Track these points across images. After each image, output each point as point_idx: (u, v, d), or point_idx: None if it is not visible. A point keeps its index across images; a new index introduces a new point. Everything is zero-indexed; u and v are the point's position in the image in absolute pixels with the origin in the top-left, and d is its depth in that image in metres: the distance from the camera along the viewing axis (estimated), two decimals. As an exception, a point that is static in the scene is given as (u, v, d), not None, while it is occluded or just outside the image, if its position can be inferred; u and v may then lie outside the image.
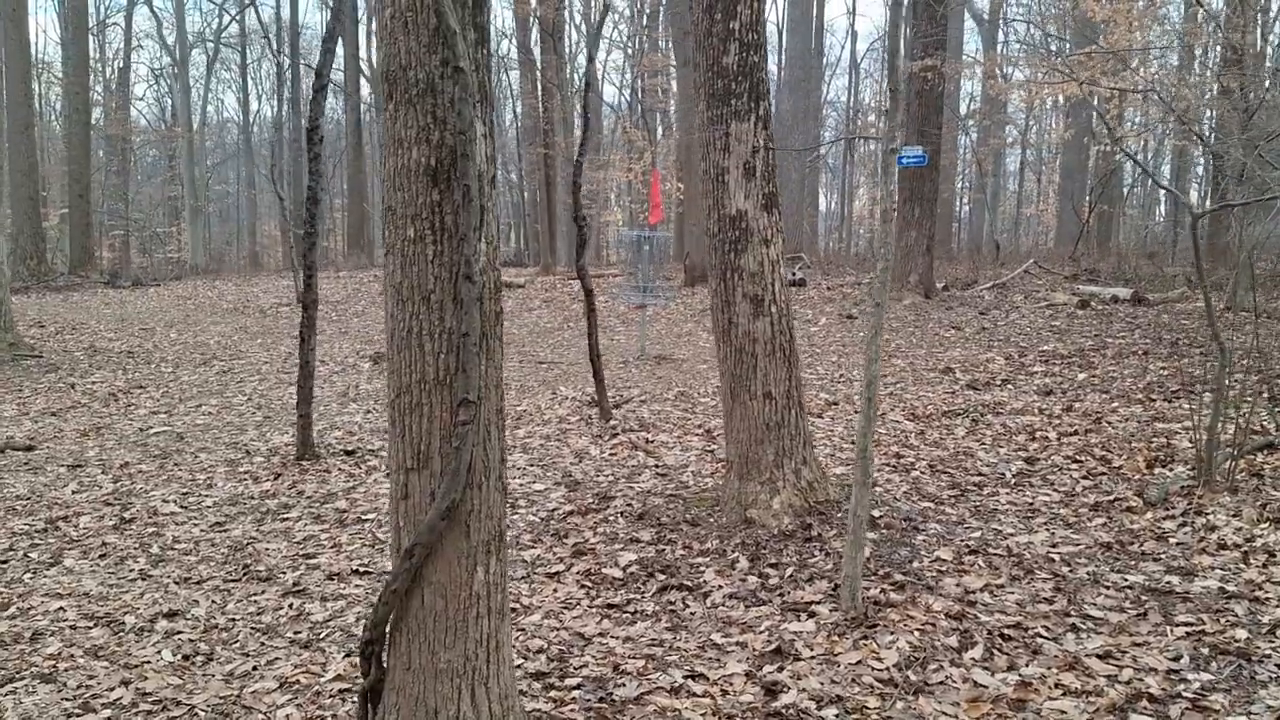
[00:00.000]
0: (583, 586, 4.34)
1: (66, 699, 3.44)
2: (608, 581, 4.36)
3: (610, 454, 6.67)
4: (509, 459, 6.52)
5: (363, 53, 34.45)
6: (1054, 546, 4.54)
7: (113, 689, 3.49)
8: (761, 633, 3.74)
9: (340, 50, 33.91)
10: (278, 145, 29.05)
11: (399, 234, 2.59)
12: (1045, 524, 4.89)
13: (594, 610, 4.05)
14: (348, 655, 3.72)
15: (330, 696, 3.40)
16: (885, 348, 11.18)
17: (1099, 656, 3.43)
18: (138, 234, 37.97)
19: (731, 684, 3.35)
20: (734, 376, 5.00)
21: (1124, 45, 15.54)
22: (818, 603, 3.96)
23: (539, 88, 25.65)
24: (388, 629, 2.66)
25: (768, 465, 4.92)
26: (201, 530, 5.37)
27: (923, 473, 5.88)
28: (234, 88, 49.78)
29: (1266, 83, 13.83)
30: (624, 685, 3.35)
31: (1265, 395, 7.43)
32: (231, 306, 18.56)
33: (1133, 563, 4.30)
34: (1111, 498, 5.21)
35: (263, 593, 4.42)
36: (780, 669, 3.44)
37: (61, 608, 4.28)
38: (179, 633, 3.99)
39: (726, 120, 4.92)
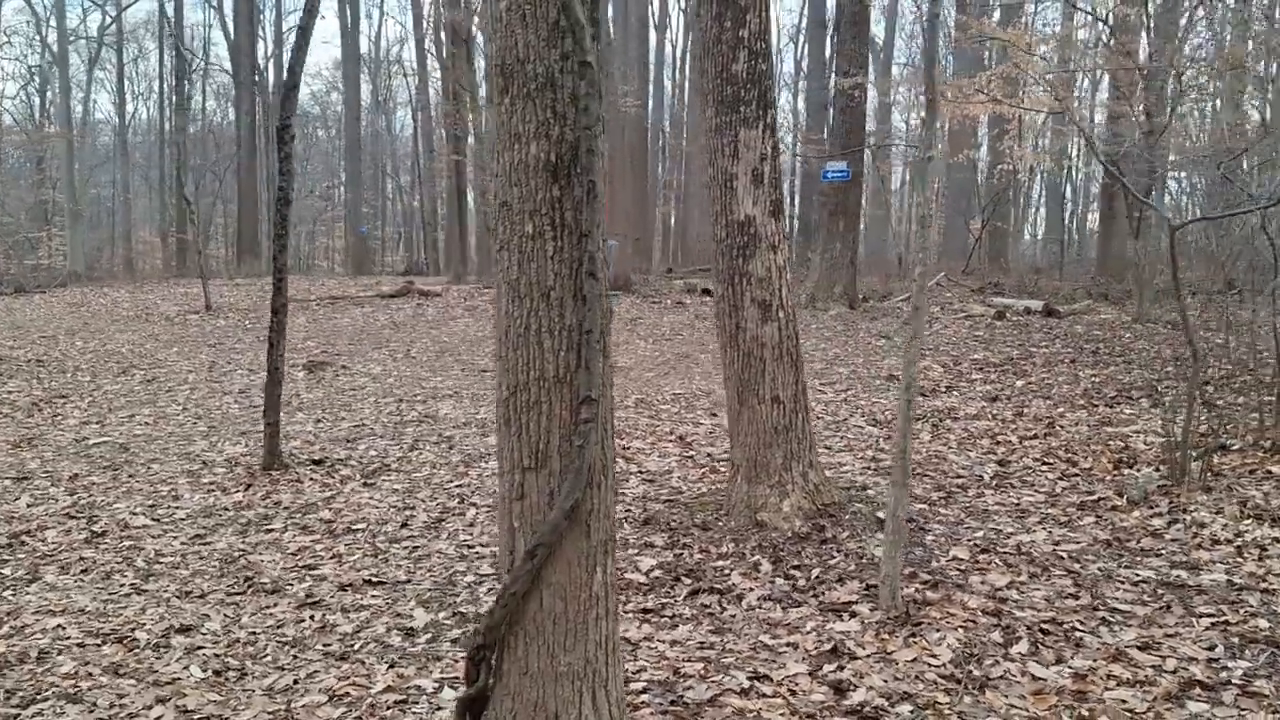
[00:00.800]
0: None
1: (101, 718, 3.24)
2: (634, 586, 4.33)
3: (589, 461, 6.62)
4: (487, 465, 6.43)
5: (262, 49, 33.52)
6: (1056, 545, 4.70)
7: (150, 707, 3.31)
8: (809, 633, 3.77)
9: (229, 45, 32.93)
10: (181, 147, 27.79)
11: (515, 230, 2.54)
12: (1039, 523, 5.06)
13: (630, 615, 4.01)
14: (391, 666, 3.61)
15: (387, 709, 3.29)
16: (824, 356, 11.41)
17: (1139, 648, 3.57)
18: (5, 239, 35.92)
19: (797, 684, 3.37)
20: (741, 381, 5.04)
21: (1022, 68, 16.25)
22: (855, 603, 4.02)
23: (452, 92, 25.35)
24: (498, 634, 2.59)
25: (776, 469, 4.97)
26: (182, 543, 5.13)
27: (915, 477, 6.00)
28: (108, 88, 47.31)
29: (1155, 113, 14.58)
30: (692, 688, 3.33)
31: (1201, 400, 7.85)
32: (131, 314, 17.74)
33: (1137, 559, 4.49)
34: (1095, 497, 5.42)
35: (275, 605, 4.25)
36: (840, 668, 3.47)
37: (60, 625, 4.04)
38: (200, 648, 3.80)
39: (735, 127, 4.96)
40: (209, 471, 6.55)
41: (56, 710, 3.31)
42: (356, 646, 3.81)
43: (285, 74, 6.19)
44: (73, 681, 3.52)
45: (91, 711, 3.30)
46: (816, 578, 4.32)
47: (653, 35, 29.49)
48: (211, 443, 7.46)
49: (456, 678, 3.50)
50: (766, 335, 4.98)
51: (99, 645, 3.84)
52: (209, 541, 5.15)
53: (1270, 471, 5.66)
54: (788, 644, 3.70)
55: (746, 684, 3.37)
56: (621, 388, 9.49)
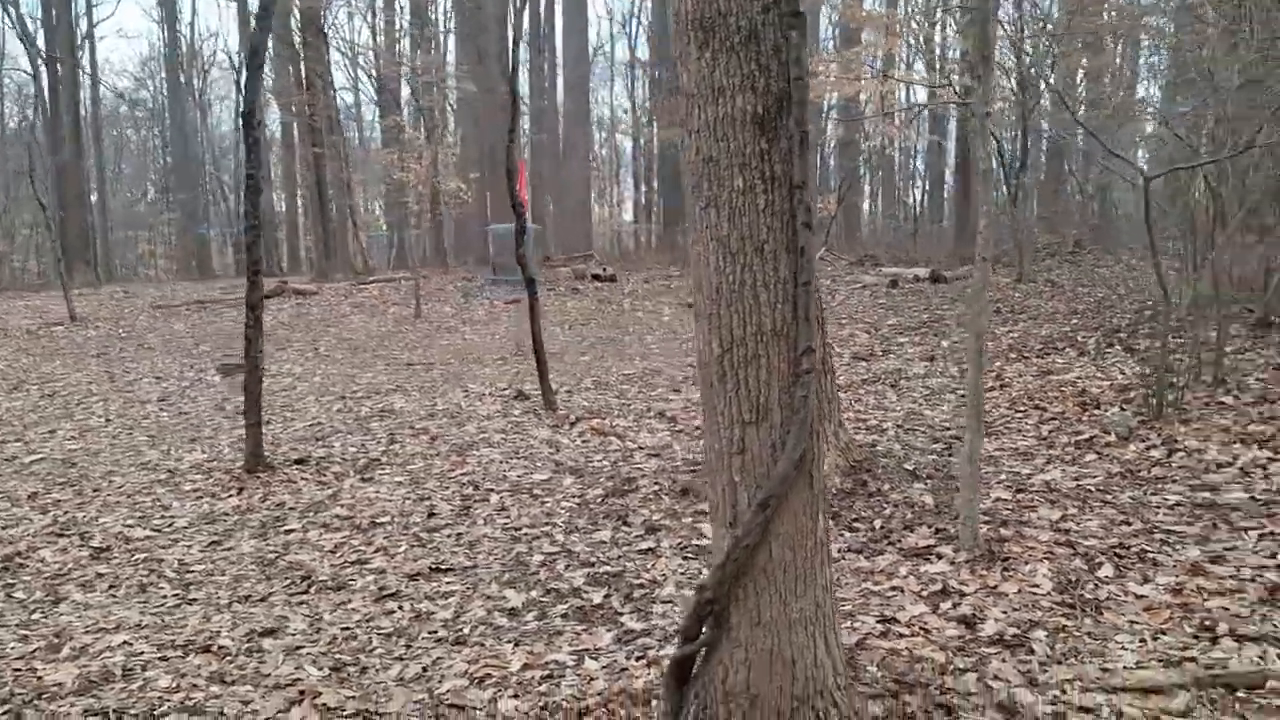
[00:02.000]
0: (687, 558, 4.34)
1: (242, 727, 3.07)
2: (708, 551, 4.38)
3: (583, 442, 6.61)
4: (481, 453, 6.34)
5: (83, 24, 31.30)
6: (1079, 480, 5.01)
7: (286, 710, 3.15)
8: (906, 577, 3.91)
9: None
10: (29, 147, 25.39)
11: (724, 186, 2.55)
12: (1048, 464, 5.37)
13: (723, 577, 4.05)
14: (516, 645, 3.55)
15: (537, 684, 3.24)
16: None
17: (1210, 562, 3.86)
18: None
19: (926, 622, 3.50)
20: (770, 346, 5.12)
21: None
22: (934, 546, 4.19)
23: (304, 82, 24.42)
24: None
25: (809, 429, 5.08)
26: (201, 550, 4.87)
27: (896, 431, 6.26)
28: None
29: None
30: (832, 635, 3.40)
31: (1121, 347, 8.44)
32: (-21, 330, 16.43)
33: (1158, 485, 4.84)
34: (1086, 437, 5.78)
35: (349, 601, 4.09)
36: (956, 605, 3.62)
37: (125, 641, 3.78)
38: (299, 648, 3.63)
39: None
40: (183, 479, 6.19)
41: (184, 723, 3.11)
42: (466, 631, 3.72)
43: (248, 55, 5.89)
44: (180, 694, 3.31)
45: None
46: (882, 528, 4.47)
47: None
48: (164, 451, 7.04)
49: (588, 649, 3.48)
50: (792, 300, 5.08)
51: (183, 656, 3.62)
52: (230, 546, 4.89)
53: (1223, 402, 6.16)
54: (892, 588, 3.83)
55: (880, 627, 3.48)
56: (569, 371, 9.46)
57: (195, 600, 4.21)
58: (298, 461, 6.41)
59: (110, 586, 4.43)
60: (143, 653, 3.68)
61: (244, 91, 5.87)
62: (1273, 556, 3.86)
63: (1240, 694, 2.88)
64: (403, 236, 30.15)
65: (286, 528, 5.14)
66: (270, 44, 29.60)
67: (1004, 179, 15.17)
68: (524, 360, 10.58)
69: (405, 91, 29.40)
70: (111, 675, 3.49)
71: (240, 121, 5.71)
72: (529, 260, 7.70)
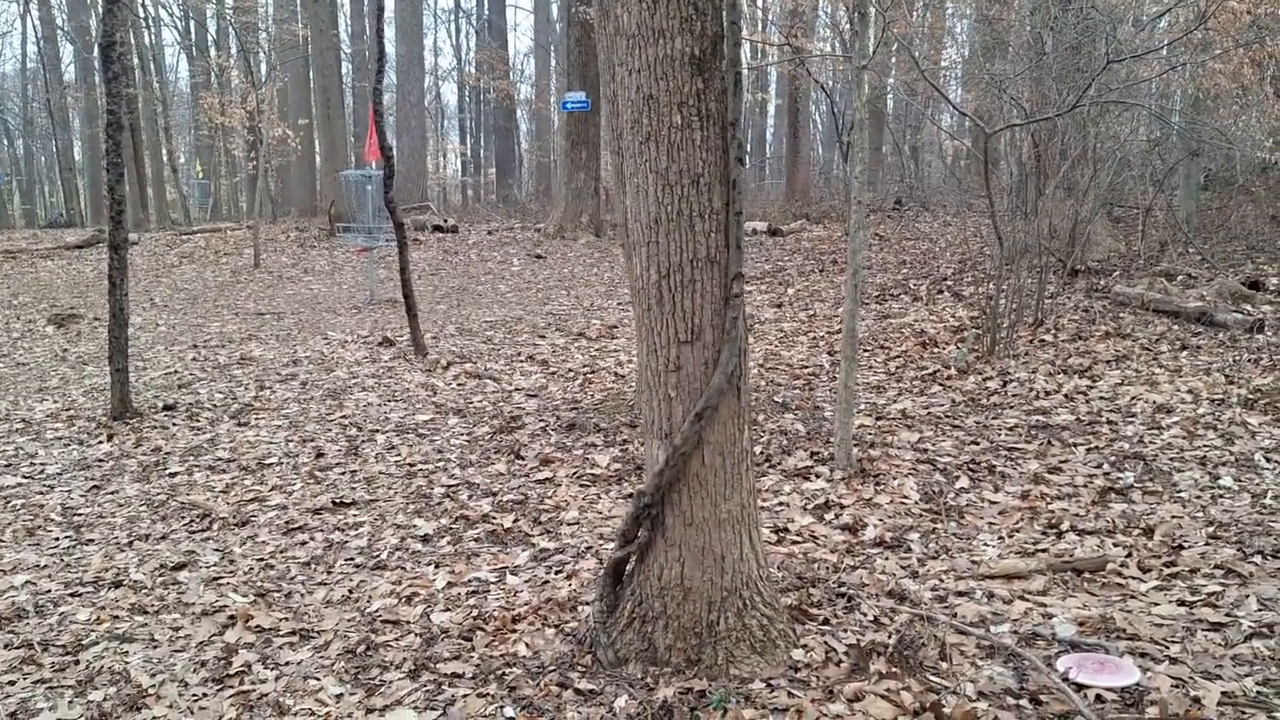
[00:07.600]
0: (582, 485, 4.57)
1: (176, 649, 3.13)
2: (603, 479, 4.63)
3: (459, 385, 6.71)
4: (355, 396, 6.37)
5: None
6: (928, 408, 5.52)
7: (219, 633, 3.22)
8: (790, 494, 4.28)
9: None
10: None
11: (664, 121, 2.76)
12: (900, 395, 5.88)
13: (623, 500, 4.32)
14: (436, 566, 3.71)
15: (465, 599, 3.42)
16: (600, 279, 11.89)
17: (1049, 472, 4.40)
18: None
19: (815, 531, 3.88)
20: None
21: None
22: (812, 467, 4.58)
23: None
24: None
25: (689, 365, 5.38)
26: (82, 495, 4.76)
27: (759, 369, 6.66)
28: None
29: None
30: (734, 544, 3.72)
31: (950, 293, 9.14)
32: None
33: (997, 411, 5.40)
34: (930, 371, 6.33)
35: (256, 535, 4.13)
36: (838, 515, 4.01)
37: (29, 580, 3.72)
38: (217, 579, 3.68)
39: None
40: (43, 428, 5.96)
41: (117, 650, 3.13)
42: (384, 556, 3.84)
43: (107, -15, 5.63)
44: (107, 625, 3.32)
45: (156, 646, 3.17)
46: (762, 453, 4.83)
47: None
48: (12, 402, 6.71)
49: (507, 567, 3.68)
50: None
51: (96, 592, 3.61)
52: (114, 490, 4.80)
53: (1044, 340, 6.86)
54: (779, 504, 4.19)
55: (774, 536, 3.83)
56: (429, 319, 9.46)
57: (92, 541, 4.16)
58: (166, 408, 6.26)
59: (-9, 532, 4.30)
60: (50, 590, 3.65)
61: (102, 21, 5.60)
62: (1099, 467, 4.44)
63: (1086, 575, 3.36)
64: (218, 186, 28.87)
65: (169, 471, 5.06)
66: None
67: (838, 136, 15.92)
68: (379, 309, 10.50)
69: (212, 29, 28.00)
70: (24, 612, 3.45)
71: (99, 54, 5.45)
72: (397, 206, 7.66)
